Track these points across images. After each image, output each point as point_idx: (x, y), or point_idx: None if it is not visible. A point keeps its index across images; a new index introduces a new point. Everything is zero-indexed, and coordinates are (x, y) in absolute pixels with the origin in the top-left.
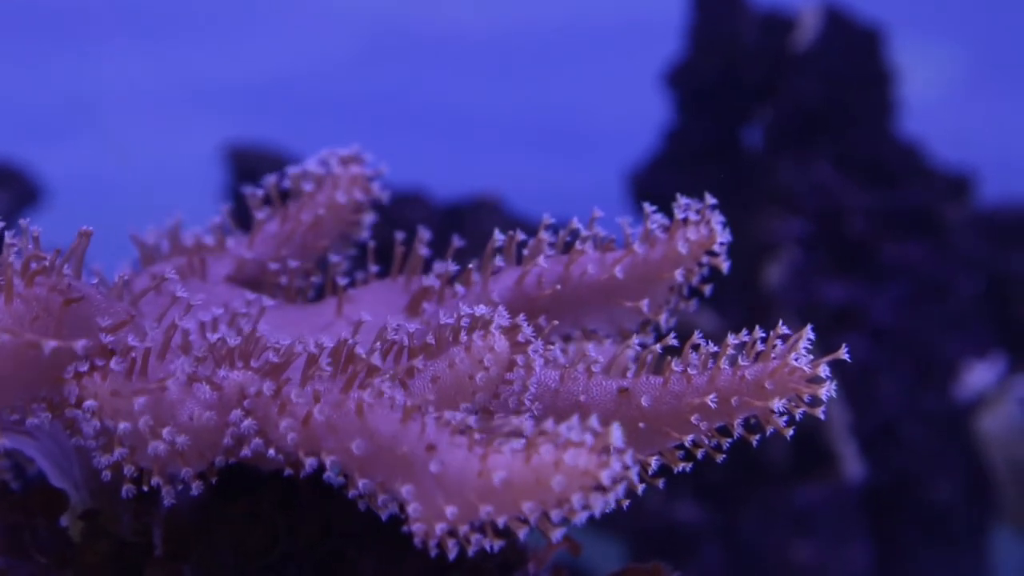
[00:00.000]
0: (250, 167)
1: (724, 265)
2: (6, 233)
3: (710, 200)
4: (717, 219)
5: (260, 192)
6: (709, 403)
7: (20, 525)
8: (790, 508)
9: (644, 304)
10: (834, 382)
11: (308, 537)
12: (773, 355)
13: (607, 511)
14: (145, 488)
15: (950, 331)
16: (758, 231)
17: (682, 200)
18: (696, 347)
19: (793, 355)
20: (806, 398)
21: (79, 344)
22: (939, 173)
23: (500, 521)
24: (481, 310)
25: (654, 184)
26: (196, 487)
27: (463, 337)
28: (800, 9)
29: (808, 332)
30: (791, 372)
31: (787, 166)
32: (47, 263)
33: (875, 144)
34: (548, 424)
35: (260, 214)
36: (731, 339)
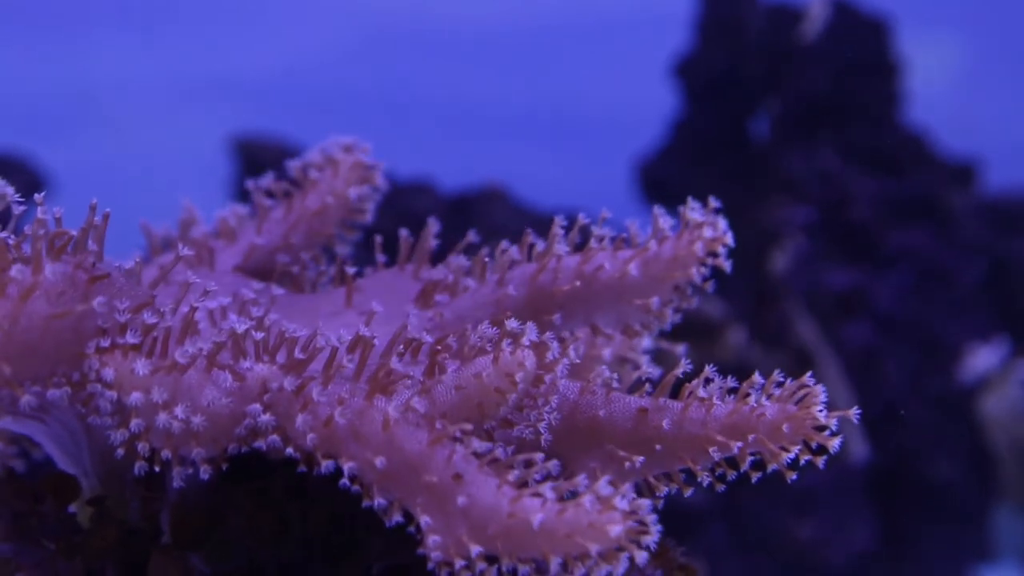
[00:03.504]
0: (256, 158)
1: (726, 265)
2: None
3: (714, 203)
4: (723, 221)
5: (264, 183)
6: (731, 441)
7: (27, 511)
8: (795, 488)
9: (654, 302)
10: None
11: (317, 521)
12: (794, 399)
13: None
14: (157, 468)
15: (954, 316)
16: (764, 219)
17: (691, 202)
18: (708, 381)
19: (815, 407)
20: (813, 445)
21: (106, 318)
22: (944, 161)
23: (523, 571)
24: (512, 324)
25: (662, 174)
26: (204, 471)
27: (489, 347)
28: (808, 1)
29: (822, 389)
30: (807, 419)
31: (793, 155)
32: (74, 240)
33: (881, 133)
34: (581, 479)
35: (265, 203)
36: (756, 377)
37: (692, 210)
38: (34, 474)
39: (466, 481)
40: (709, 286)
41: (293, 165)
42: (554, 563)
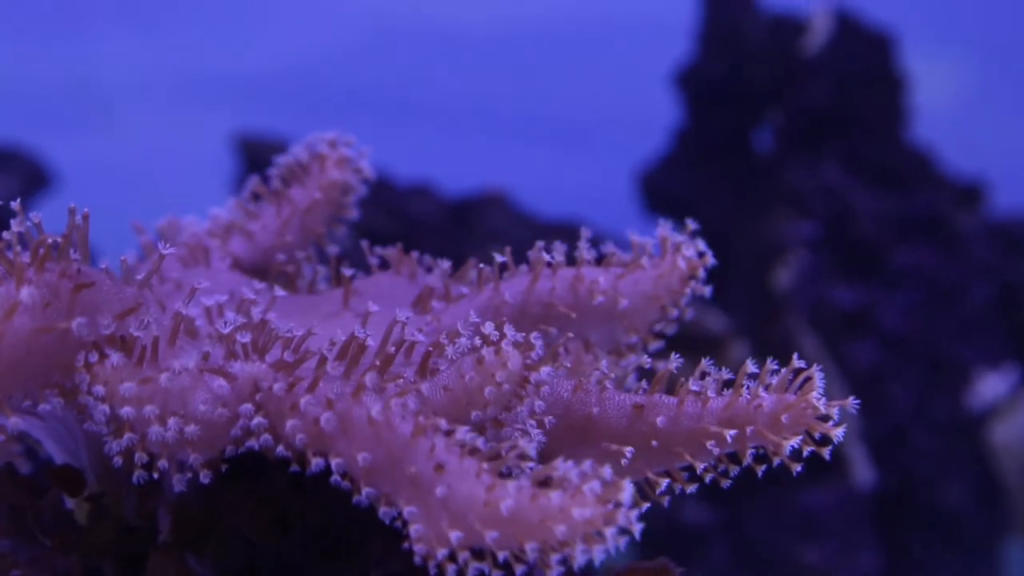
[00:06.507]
0: (259, 156)
1: (706, 291)
2: (14, 219)
3: (692, 225)
4: (702, 243)
5: (255, 183)
6: (725, 431)
7: (25, 507)
8: (798, 511)
9: (645, 320)
10: (843, 427)
11: (315, 521)
12: (791, 389)
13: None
14: (155, 475)
15: (962, 337)
16: (768, 233)
17: (666, 223)
18: (704, 375)
19: (813, 394)
20: (817, 435)
21: (91, 331)
22: (950, 180)
23: (500, 556)
24: (510, 331)
25: (663, 184)
26: (204, 476)
27: (479, 344)
28: (811, 12)
29: (819, 375)
30: (807, 408)
31: (797, 169)
32: (56, 248)
33: (885, 149)
34: (559, 463)
35: (259, 201)
36: (749, 366)
37: (683, 233)
38: (39, 472)
39: (447, 471)
40: (689, 312)
41: (281, 161)
42: (530, 549)
